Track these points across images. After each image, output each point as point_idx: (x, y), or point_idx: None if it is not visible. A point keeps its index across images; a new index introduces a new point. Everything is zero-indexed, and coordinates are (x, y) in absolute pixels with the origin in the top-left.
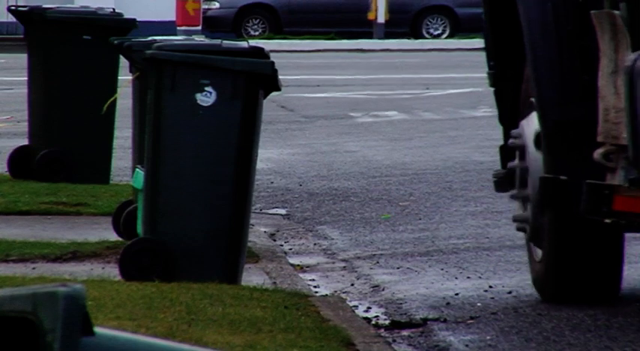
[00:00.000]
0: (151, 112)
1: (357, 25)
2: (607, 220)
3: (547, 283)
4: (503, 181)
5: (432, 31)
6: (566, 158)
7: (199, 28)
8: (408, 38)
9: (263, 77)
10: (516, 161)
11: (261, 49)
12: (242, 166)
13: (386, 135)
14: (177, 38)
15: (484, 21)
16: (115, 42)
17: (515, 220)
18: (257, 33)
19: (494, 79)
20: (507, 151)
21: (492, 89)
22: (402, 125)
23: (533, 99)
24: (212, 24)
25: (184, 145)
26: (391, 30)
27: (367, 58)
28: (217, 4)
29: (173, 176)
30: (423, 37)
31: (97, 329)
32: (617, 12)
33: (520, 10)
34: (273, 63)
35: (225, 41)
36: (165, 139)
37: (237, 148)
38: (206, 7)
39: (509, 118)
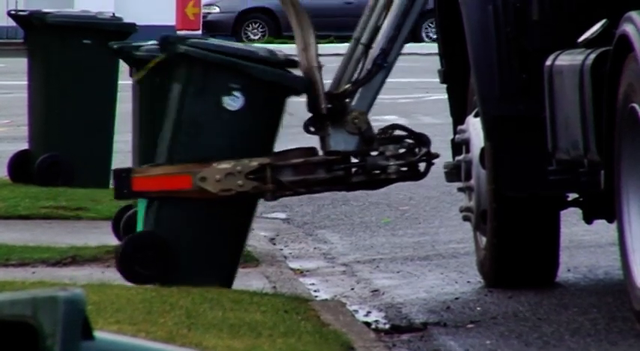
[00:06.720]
0: (174, 108)
1: None
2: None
3: (489, 269)
4: (453, 173)
5: (431, 34)
6: (503, 150)
7: (199, 32)
8: (408, 42)
9: (292, 90)
10: (462, 155)
11: (295, 62)
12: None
13: None
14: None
15: (436, 23)
16: (115, 46)
17: (461, 210)
18: (257, 37)
19: (444, 76)
20: (456, 145)
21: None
22: None
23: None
24: (212, 28)
25: (201, 146)
26: None
27: None
28: (217, 9)
29: None
30: (423, 41)
31: (97, 333)
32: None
33: (463, 13)
34: (306, 80)
35: (261, 48)
36: (182, 137)
37: (252, 156)
38: (206, 11)
39: (458, 113)
